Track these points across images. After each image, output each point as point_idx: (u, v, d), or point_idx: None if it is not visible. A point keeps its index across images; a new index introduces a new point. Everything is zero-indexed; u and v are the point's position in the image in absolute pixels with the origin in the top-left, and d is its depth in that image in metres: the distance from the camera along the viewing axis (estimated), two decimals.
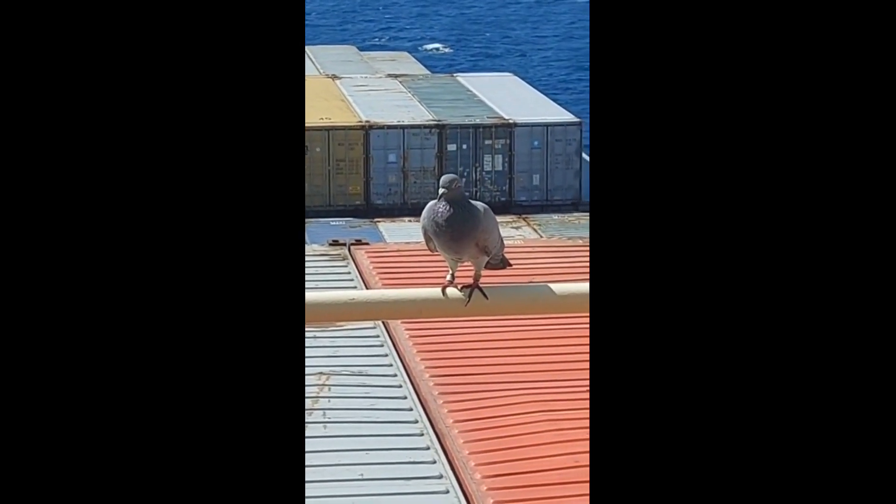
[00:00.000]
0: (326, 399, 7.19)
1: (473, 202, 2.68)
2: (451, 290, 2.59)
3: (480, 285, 2.58)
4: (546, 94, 24.39)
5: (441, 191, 2.62)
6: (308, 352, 7.57)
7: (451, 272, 2.65)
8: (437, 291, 2.60)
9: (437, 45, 47.02)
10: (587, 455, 6.49)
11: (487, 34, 48.41)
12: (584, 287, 2.74)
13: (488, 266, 2.72)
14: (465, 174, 19.76)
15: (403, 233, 17.35)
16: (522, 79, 25.73)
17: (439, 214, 2.62)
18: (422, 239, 2.77)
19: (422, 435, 6.70)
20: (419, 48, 41.01)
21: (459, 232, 2.62)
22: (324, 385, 7.31)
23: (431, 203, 2.67)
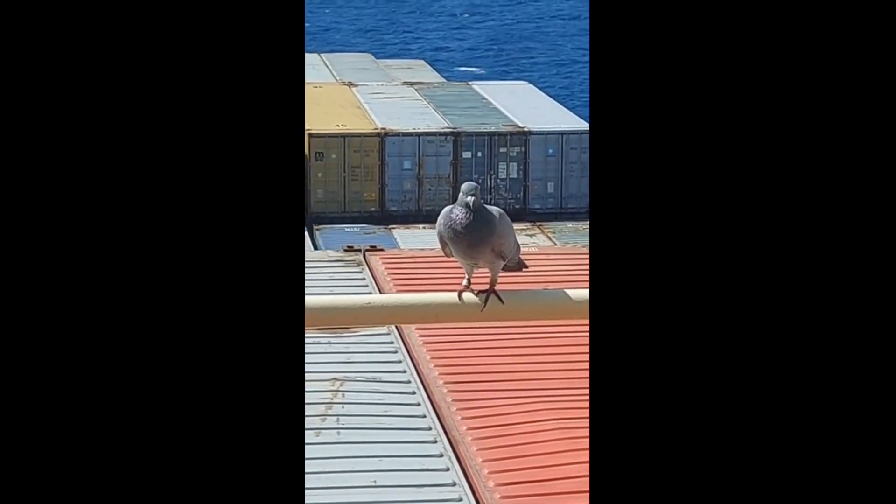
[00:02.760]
0: (340, 405, 7.17)
1: (489, 207, 2.68)
2: (467, 295, 2.59)
3: (497, 290, 2.59)
4: (561, 103, 24.41)
5: (470, 198, 2.62)
6: (322, 357, 7.46)
7: (467, 277, 2.65)
8: (453, 296, 2.60)
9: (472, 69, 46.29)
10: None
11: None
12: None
13: (505, 269, 2.71)
14: (480, 181, 19.75)
15: (418, 239, 17.33)
16: (537, 87, 25.73)
17: (456, 221, 2.62)
18: (436, 245, 2.77)
19: (435, 442, 6.68)
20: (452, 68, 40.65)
21: (476, 237, 2.62)
22: (338, 391, 7.29)
23: (447, 209, 2.67)
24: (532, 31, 52.88)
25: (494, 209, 2.69)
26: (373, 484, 6.29)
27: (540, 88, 25.67)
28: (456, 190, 19.66)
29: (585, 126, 21.47)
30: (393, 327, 7.84)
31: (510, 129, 20.98)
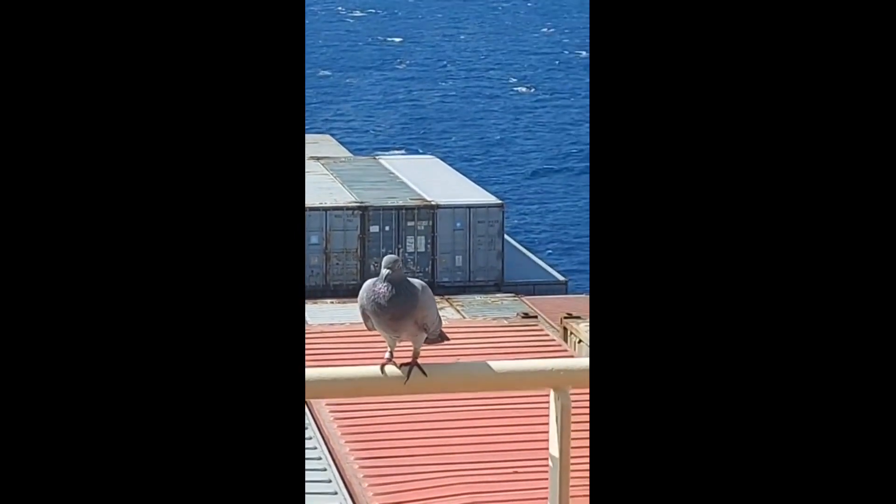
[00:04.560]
0: None
1: (412, 280, 2.68)
2: (389, 368, 2.58)
3: (419, 363, 2.58)
4: (468, 177, 24.62)
5: (385, 272, 2.62)
6: None
7: (389, 350, 2.64)
8: (375, 369, 2.58)
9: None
10: None
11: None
12: (521, 364, 2.81)
13: (427, 341, 2.71)
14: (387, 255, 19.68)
15: (326, 315, 17.17)
16: (444, 161, 25.94)
17: (379, 294, 2.61)
18: (345, 319, 2.75)
19: None
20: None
21: (400, 311, 2.62)
22: None
23: (369, 282, 2.66)
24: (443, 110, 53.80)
25: (417, 282, 2.70)
26: None
27: (446, 162, 25.92)
28: (363, 265, 19.61)
29: (493, 199, 21.72)
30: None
31: (417, 202, 21.11)
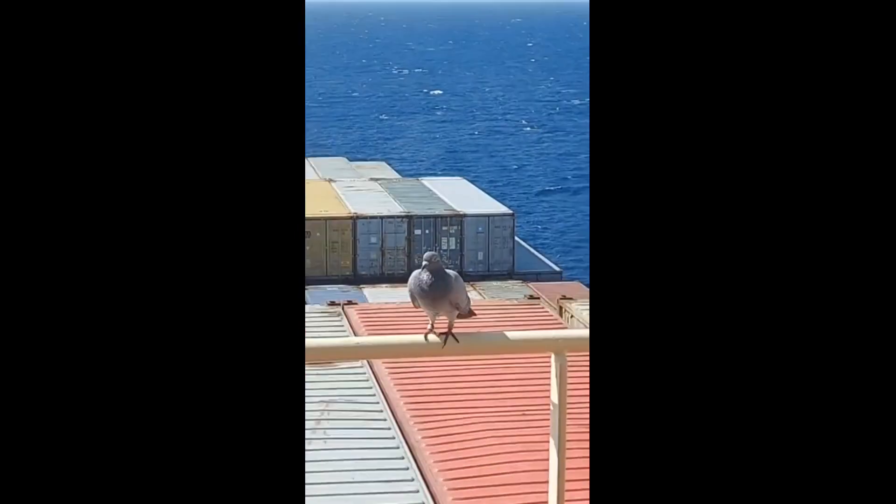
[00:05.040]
0: (327, 420, 6.99)
1: (448, 270, 2.64)
2: (431, 337, 2.54)
3: (453, 332, 2.55)
4: (488, 193, 24.37)
5: (425, 264, 2.60)
6: (314, 385, 7.22)
7: (430, 323, 2.61)
8: (419, 337, 2.55)
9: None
10: (526, 464, 6.26)
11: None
12: (528, 334, 2.61)
13: (458, 316, 2.67)
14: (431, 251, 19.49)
15: (383, 295, 17.17)
16: (471, 182, 25.74)
17: (423, 282, 2.59)
18: (397, 299, 2.72)
19: (398, 448, 6.51)
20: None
21: (438, 294, 2.59)
22: (325, 409, 7.12)
23: (415, 272, 2.63)
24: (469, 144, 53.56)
25: (451, 272, 2.66)
26: (350, 480, 6.12)
27: (472, 182, 25.67)
28: (409, 259, 19.55)
29: (506, 210, 21.51)
30: (366, 362, 7.73)
31: (450, 213, 20.91)
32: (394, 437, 6.64)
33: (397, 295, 14.72)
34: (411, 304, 2.69)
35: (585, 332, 2.51)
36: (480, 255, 20.45)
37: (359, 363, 7.71)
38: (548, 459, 2.58)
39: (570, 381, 2.55)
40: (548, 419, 2.61)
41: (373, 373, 7.69)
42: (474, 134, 56.43)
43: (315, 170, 26.20)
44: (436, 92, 73.75)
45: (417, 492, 5.93)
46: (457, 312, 2.65)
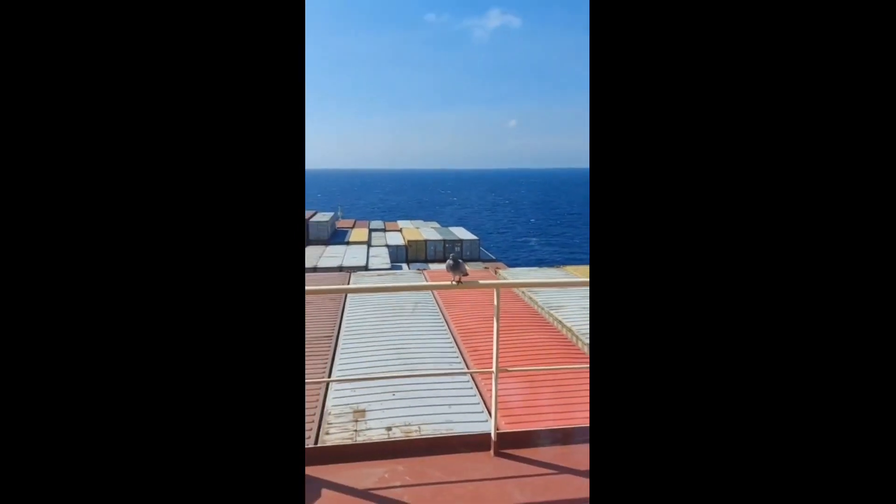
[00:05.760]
0: (418, 309, 9.68)
1: (458, 259, 4.47)
2: (455, 284, 4.31)
3: (461, 281, 4.37)
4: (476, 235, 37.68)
5: (450, 255, 4.64)
6: (409, 296, 13.06)
7: (453, 279, 4.41)
8: (452, 283, 4.35)
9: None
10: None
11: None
12: (487, 281, 3.60)
13: (463, 277, 4.43)
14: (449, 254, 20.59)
15: (441, 268, 22.92)
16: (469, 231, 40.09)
17: (449, 263, 4.39)
18: (443, 268, 8.16)
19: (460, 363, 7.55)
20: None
21: (456, 267, 4.40)
22: (415, 306, 9.82)
23: (449, 260, 4.49)
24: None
25: (459, 259, 4.48)
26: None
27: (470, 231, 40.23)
28: (445, 255, 34.48)
29: (473, 237, 35.64)
30: (432, 292, 10.80)
31: (459, 240, 34.62)
32: (459, 360, 7.72)
33: (443, 267, 15.28)
34: (448, 273, 4.45)
35: (510, 280, 4.63)
36: (468, 254, 33.32)
37: (429, 292, 10.85)
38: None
39: (501, 305, 3.85)
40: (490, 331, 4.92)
41: (436, 300, 10.60)
42: (485, 224, 63.78)
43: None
44: (453, 199, 64.36)
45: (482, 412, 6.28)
46: (461, 275, 4.43)
